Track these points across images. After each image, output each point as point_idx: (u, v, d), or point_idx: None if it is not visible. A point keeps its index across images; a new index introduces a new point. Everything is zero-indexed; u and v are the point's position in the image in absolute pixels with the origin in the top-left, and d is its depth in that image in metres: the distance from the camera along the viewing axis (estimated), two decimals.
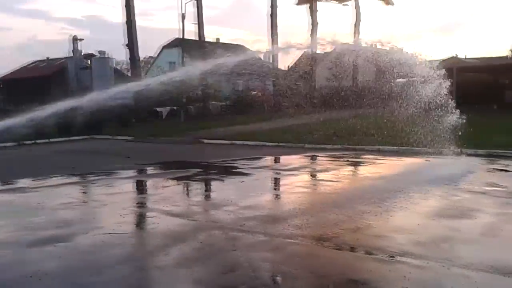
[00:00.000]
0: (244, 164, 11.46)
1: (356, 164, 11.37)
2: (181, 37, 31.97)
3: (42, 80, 38.91)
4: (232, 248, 4.99)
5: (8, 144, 16.73)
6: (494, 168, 9.85)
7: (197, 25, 29.55)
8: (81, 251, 5.09)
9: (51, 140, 17.94)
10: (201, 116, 27.05)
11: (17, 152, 15.41)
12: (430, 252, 4.70)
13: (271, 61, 36.83)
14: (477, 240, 5.24)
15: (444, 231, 5.50)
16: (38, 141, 17.60)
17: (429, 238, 5.20)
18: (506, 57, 45.44)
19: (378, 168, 10.63)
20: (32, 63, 47.40)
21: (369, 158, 11.74)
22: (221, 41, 49.79)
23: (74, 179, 10.14)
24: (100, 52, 39.33)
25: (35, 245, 5.37)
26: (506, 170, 9.51)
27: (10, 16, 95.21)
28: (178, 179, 10.08)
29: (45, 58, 46.61)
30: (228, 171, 10.71)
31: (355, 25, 36.19)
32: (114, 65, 41.17)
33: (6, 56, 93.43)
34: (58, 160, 13.13)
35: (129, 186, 9.53)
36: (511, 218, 6.00)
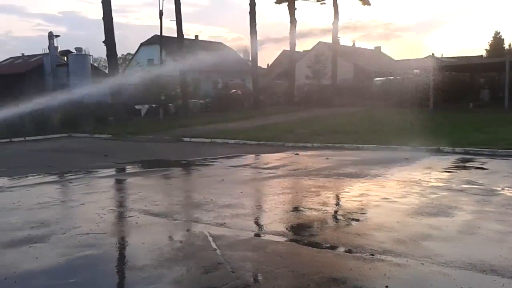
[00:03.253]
0: (224, 163, 11.41)
1: (336, 163, 11.42)
2: (159, 34, 31.70)
3: (17, 77, 38.10)
4: (211, 247, 4.96)
5: None
6: (471, 166, 10.02)
7: (176, 22, 29.30)
8: (58, 252, 4.99)
9: (27, 138, 17.61)
10: (180, 114, 26.89)
11: None
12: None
13: (250, 59, 36.74)
14: (455, 237, 5.31)
15: (422, 227, 5.56)
16: (14, 139, 17.24)
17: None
18: (481, 57, 46.44)
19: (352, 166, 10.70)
20: (6, 60, 46.43)
21: (347, 156, 11.82)
22: (200, 38, 49.68)
23: (51, 178, 9.95)
24: (77, 49, 38.72)
25: (10, 246, 5.25)
26: (482, 168, 9.67)
27: None
28: (157, 178, 9.98)
29: (20, 55, 45.70)
30: (208, 169, 10.65)
31: (333, 23, 36.37)
32: (92, 62, 40.62)
33: None
34: (35, 159, 12.88)
35: (107, 185, 9.39)
36: (488, 216, 6.09)
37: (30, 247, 5.15)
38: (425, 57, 29.61)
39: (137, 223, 6.10)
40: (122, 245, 5.45)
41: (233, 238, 5.30)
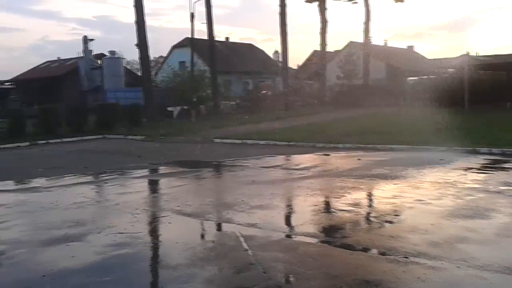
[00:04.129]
0: (255, 164, 11.45)
1: (368, 164, 11.28)
2: (191, 36, 32.06)
3: (53, 80, 39.26)
4: (243, 248, 4.98)
5: (21, 144, 16.91)
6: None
7: (206, 25, 29.57)
8: (94, 251, 5.12)
9: (64, 140, 18.10)
10: (211, 116, 27.10)
11: (30, 151, 15.54)
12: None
13: (280, 60, 36.71)
14: (492, 240, 5.16)
15: (458, 230, 5.44)
16: (51, 140, 17.76)
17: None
18: None
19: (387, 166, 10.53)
20: (43, 63, 47.87)
21: (379, 157, 11.66)
22: (231, 40, 49.87)
23: (87, 178, 10.22)
24: (111, 52, 39.63)
25: (48, 244, 5.41)
26: None
27: (22, 17, 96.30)
28: (189, 178, 10.10)
29: (57, 58, 47.02)
30: (239, 170, 10.70)
31: (365, 23, 35.96)
32: (125, 65, 41.45)
33: (19, 57, 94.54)
34: (71, 160, 13.23)
35: (141, 186, 9.56)
36: None
37: (67, 245, 5.30)
38: (460, 56, 28.83)
39: (170, 222, 6.19)
40: (155, 244, 5.55)
41: (265, 239, 5.31)
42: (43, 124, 19.74)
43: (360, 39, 37.87)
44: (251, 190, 8.16)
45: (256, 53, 48.82)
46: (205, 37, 30.20)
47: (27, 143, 17.18)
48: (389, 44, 52.63)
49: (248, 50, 48.44)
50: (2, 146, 16.50)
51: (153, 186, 9.82)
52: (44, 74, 42.41)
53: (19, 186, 9.89)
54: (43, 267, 4.64)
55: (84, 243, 5.41)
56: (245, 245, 5.05)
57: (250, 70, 42.07)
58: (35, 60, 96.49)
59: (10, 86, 44.56)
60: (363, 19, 36.10)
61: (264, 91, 35.79)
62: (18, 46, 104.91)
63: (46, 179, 10.11)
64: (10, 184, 10.08)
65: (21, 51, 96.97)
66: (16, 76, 44.95)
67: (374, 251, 4.88)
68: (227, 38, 50.13)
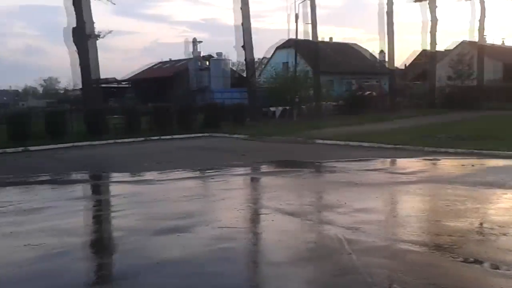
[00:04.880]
0: (358, 166, 11.20)
1: (483, 171, 10.50)
2: (294, 37, 32.22)
3: (165, 80, 41.72)
4: (346, 251, 4.90)
5: (136, 139, 18.26)
6: None
7: (310, 25, 29.51)
8: (202, 242, 5.36)
9: (174, 136, 19.20)
10: (313, 116, 27.02)
11: (144, 146, 16.72)
12: None
13: (386, 60, 35.51)
14: None
15: None
16: (163, 137, 18.94)
17: None
18: None
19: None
20: (156, 64, 51.11)
21: (496, 164, 10.79)
22: (334, 40, 49.18)
23: (195, 173, 10.76)
24: (217, 53, 41.26)
25: (160, 233, 5.77)
26: None
27: (136, 21, 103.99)
28: (291, 178, 10.17)
29: (168, 60, 49.94)
30: (342, 171, 10.55)
31: (479, 20, 33.51)
32: (231, 66, 42.89)
33: (134, 58, 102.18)
34: (180, 156, 13.97)
35: (245, 183, 9.85)
36: None
37: (178, 235, 5.61)
38: None
39: (273, 220, 6.28)
40: (259, 241, 5.66)
41: (369, 244, 5.18)
42: (156, 122, 21.10)
43: (469, 37, 35.41)
44: (354, 192, 8.00)
45: (360, 53, 47.67)
46: (309, 37, 30.17)
47: (141, 139, 18.50)
48: (507, 43, 48.57)
49: (352, 50, 47.46)
50: (119, 140, 17.93)
51: (256, 183, 10.03)
52: (157, 74, 45.28)
53: (134, 178, 10.68)
54: (156, 254, 4.95)
55: (192, 234, 5.70)
56: (348, 249, 4.97)
57: (354, 70, 41.20)
58: (148, 61, 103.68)
59: (126, 85, 48.29)
60: (476, 16, 33.76)
61: (368, 92, 34.87)
62: (133, 48, 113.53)
63: (158, 173, 10.80)
64: (126, 176, 10.95)
65: (135, 53, 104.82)
66: (132, 76, 48.49)
67: (487, 264, 4.54)
68: (330, 38, 49.53)
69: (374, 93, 34.91)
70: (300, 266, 4.58)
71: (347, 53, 45.64)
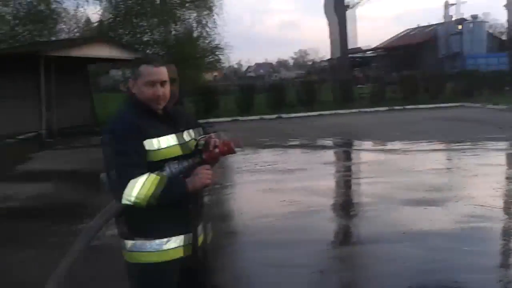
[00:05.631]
0: None
1: None
2: None
3: (412, 47, 39.90)
4: None
5: (380, 109, 18.20)
6: None
7: None
8: (451, 218, 5.06)
9: (419, 106, 18.40)
10: None
11: (388, 116, 16.54)
12: None
13: None
14: None
15: None
16: (407, 106, 18.38)
17: None
18: None
19: None
20: (403, 32, 49.24)
21: None
22: None
23: (443, 146, 10.19)
24: (472, 16, 37.34)
25: (406, 204, 5.67)
26: None
27: None
28: None
29: (416, 26, 47.53)
30: None
31: None
32: (488, 29, 38.36)
33: (381, 27, 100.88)
34: (427, 127, 13.29)
35: (501, 159, 8.81)
36: None
37: (425, 208, 5.42)
38: None
39: None
40: None
41: None
42: (401, 91, 20.56)
43: None
44: None
45: None
46: None
47: (385, 108, 18.34)
48: None
49: None
50: (364, 110, 18.17)
51: None
52: (403, 42, 43.60)
53: (378, 147, 10.72)
54: (402, 224, 4.89)
55: (441, 208, 5.42)
56: None
57: None
58: (396, 29, 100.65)
59: (372, 55, 48.06)
60: None
61: None
62: (381, 16, 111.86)
63: (403, 143, 10.55)
64: (371, 145, 11.08)
65: (383, 21, 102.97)
66: (378, 45, 47.95)
67: None
68: None
69: None
70: None
71: None
